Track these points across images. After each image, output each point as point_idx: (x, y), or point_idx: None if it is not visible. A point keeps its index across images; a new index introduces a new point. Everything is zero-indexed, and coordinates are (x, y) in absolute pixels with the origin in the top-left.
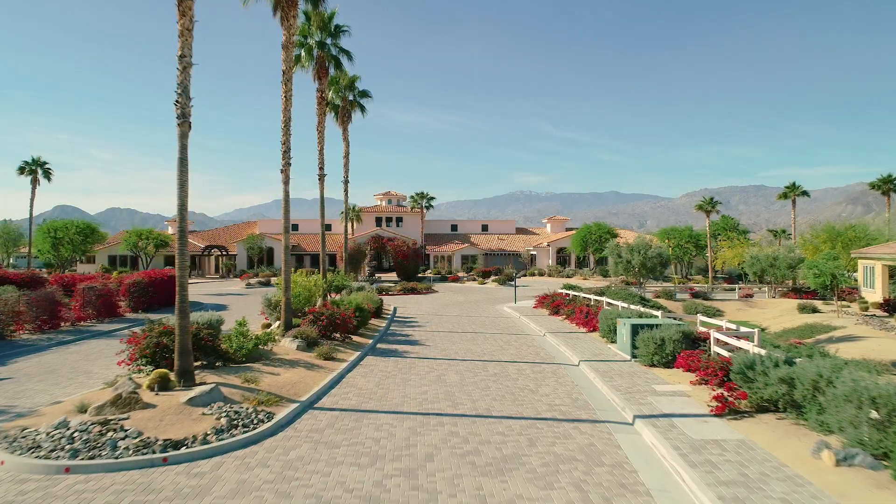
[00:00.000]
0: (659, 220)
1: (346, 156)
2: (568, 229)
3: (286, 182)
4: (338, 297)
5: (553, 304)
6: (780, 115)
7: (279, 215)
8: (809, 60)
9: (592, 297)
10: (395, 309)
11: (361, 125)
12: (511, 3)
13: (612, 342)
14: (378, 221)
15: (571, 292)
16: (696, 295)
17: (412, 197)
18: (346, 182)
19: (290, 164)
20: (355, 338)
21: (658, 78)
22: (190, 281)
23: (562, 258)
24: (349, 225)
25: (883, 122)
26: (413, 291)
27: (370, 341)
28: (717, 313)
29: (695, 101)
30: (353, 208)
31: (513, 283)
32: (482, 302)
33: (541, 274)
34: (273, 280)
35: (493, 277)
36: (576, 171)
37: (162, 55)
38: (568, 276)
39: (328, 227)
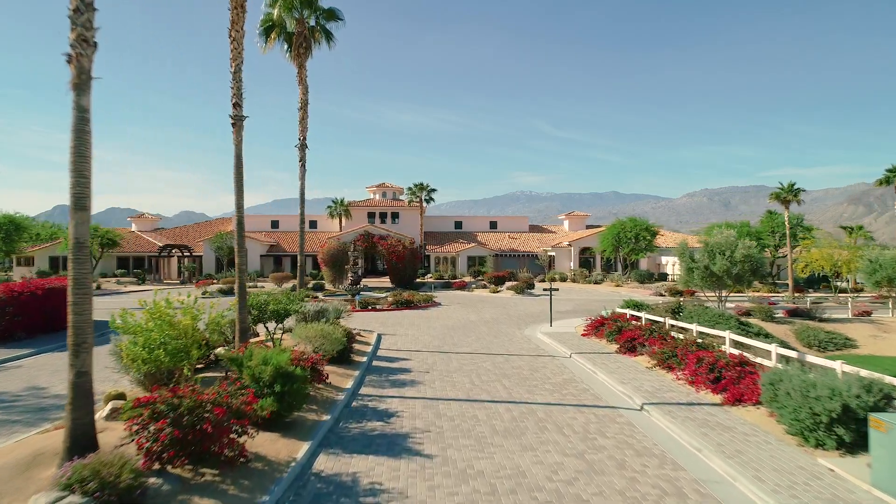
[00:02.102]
0: (659, 221)
1: (304, 107)
2: (589, 227)
3: (78, 85)
4: (285, 325)
5: (622, 335)
6: (780, 115)
7: (275, 212)
8: (809, 60)
9: (695, 327)
10: (378, 339)
11: (361, 125)
12: (511, 3)
13: (820, 446)
14: (371, 217)
15: (644, 315)
16: (795, 314)
17: (410, 189)
18: (304, 146)
19: (89, 42)
20: (266, 441)
21: (658, 78)
22: (137, 288)
23: (584, 260)
24: (338, 221)
25: (883, 122)
26: (408, 305)
27: (304, 447)
28: (847, 343)
29: (695, 101)
30: (342, 202)
31: (534, 290)
32: (502, 322)
33: (562, 279)
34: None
35: (507, 284)
36: (576, 171)
37: (162, 55)
38: (596, 283)
39: (313, 225)
